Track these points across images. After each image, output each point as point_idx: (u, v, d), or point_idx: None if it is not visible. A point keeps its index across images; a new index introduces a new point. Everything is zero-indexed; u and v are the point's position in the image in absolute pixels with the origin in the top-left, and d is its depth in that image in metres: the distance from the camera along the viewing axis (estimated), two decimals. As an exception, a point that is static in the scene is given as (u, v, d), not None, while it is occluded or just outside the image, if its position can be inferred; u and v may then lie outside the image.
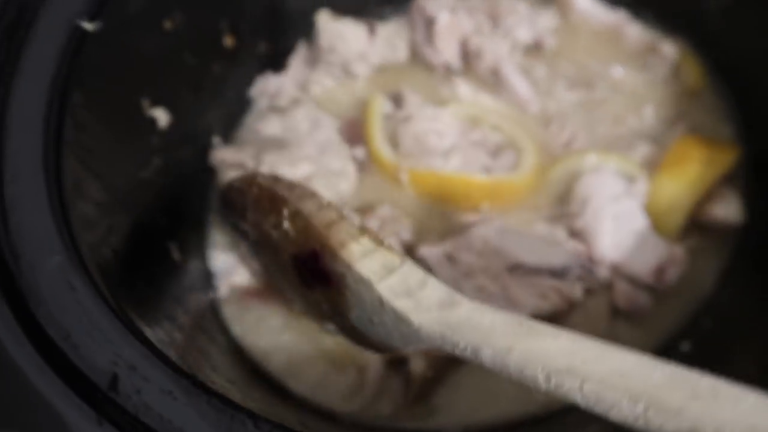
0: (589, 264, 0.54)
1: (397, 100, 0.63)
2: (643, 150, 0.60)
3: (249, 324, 0.56)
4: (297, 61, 0.66)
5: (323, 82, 0.65)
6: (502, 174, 0.58)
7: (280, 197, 0.46)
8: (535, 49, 0.66)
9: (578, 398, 0.30)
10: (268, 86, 0.65)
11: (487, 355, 0.33)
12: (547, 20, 0.67)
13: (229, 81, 0.63)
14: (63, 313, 0.35)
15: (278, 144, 0.57)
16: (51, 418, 0.32)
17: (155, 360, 0.35)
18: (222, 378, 0.43)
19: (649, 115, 0.63)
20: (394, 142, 0.60)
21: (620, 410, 0.29)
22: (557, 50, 0.67)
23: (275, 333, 0.55)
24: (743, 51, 0.62)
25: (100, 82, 0.47)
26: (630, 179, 0.58)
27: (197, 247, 0.59)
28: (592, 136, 0.62)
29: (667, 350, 0.55)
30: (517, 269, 0.53)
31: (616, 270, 0.55)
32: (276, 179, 0.50)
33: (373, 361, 0.52)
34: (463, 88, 0.63)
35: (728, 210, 0.58)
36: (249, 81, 0.66)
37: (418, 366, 0.51)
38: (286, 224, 0.44)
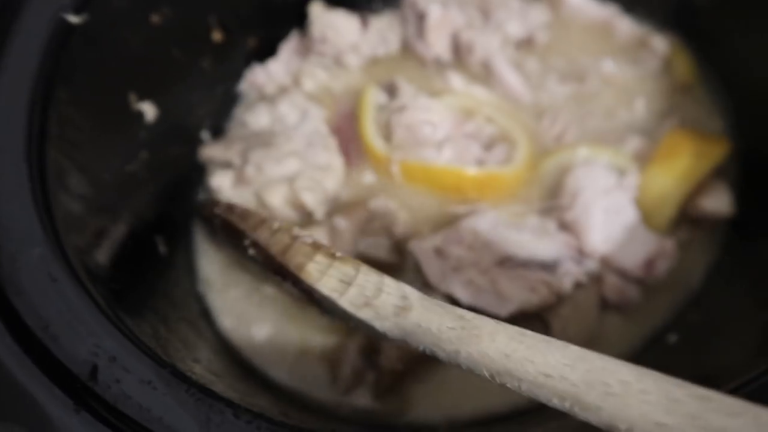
0: (579, 257, 0.54)
1: (390, 90, 0.62)
2: (634, 143, 0.60)
3: (235, 316, 0.56)
4: (288, 49, 0.66)
5: (315, 74, 0.64)
6: (494, 167, 0.58)
7: (237, 229, 0.49)
8: (526, 43, 0.66)
9: (523, 393, 0.32)
10: (258, 75, 0.65)
11: (441, 356, 0.35)
12: (538, 15, 0.67)
13: (218, 75, 0.63)
14: (43, 304, 0.35)
15: (265, 139, 0.57)
16: (29, 407, 0.32)
17: (135, 351, 0.35)
18: (205, 370, 0.43)
19: (640, 108, 0.63)
20: (387, 132, 0.59)
21: (555, 406, 0.30)
22: (548, 45, 0.67)
23: (260, 326, 0.55)
24: (733, 46, 0.62)
25: (85, 76, 0.47)
26: (621, 172, 0.58)
27: (184, 240, 0.59)
28: (584, 129, 0.62)
29: (654, 342, 0.55)
30: (508, 262, 0.53)
31: (606, 263, 0.55)
32: (230, 209, 0.52)
33: (348, 352, 0.52)
34: (456, 80, 0.63)
35: (718, 202, 0.58)
36: (237, 76, 0.66)
37: (387, 359, 0.52)
38: (251, 251, 0.47)
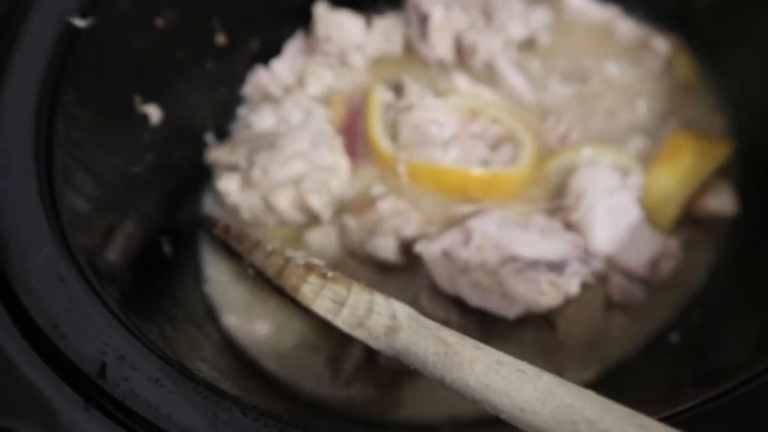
0: (585, 257, 0.54)
1: (398, 89, 0.62)
2: (637, 143, 0.60)
3: (239, 316, 0.57)
4: (293, 48, 0.67)
5: (320, 73, 0.65)
6: (499, 167, 0.58)
7: (234, 250, 0.51)
8: (528, 45, 0.67)
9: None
10: (262, 76, 0.65)
11: (430, 376, 0.37)
12: (539, 17, 0.67)
13: (221, 78, 0.63)
14: (52, 303, 0.36)
15: (271, 141, 0.58)
16: (39, 404, 0.32)
17: (143, 349, 0.35)
18: (212, 368, 0.44)
19: (642, 108, 0.63)
20: (393, 132, 0.60)
21: None
22: (551, 46, 0.67)
23: (264, 324, 0.56)
24: (733, 46, 0.63)
25: (91, 78, 0.48)
26: (624, 172, 0.58)
27: (189, 242, 0.59)
28: (587, 129, 0.62)
29: (657, 341, 0.55)
30: (515, 262, 0.53)
31: (611, 263, 0.56)
32: (226, 230, 0.53)
33: (351, 348, 0.53)
34: (462, 81, 0.63)
35: (722, 202, 0.58)
36: (240, 78, 0.66)
37: (385, 357, 0.52)
38: (250, 271, 0.49)
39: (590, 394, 0.32)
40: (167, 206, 0.57)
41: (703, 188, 0.58)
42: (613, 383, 0.53)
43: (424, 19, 0.64)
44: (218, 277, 0.59)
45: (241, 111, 0.66)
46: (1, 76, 0.43)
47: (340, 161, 0.59)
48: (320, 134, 0.59)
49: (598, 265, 0.55)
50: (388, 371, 0.52)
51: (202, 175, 0.62)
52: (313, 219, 0.58)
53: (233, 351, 0.54)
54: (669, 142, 0.60)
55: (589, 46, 0.67)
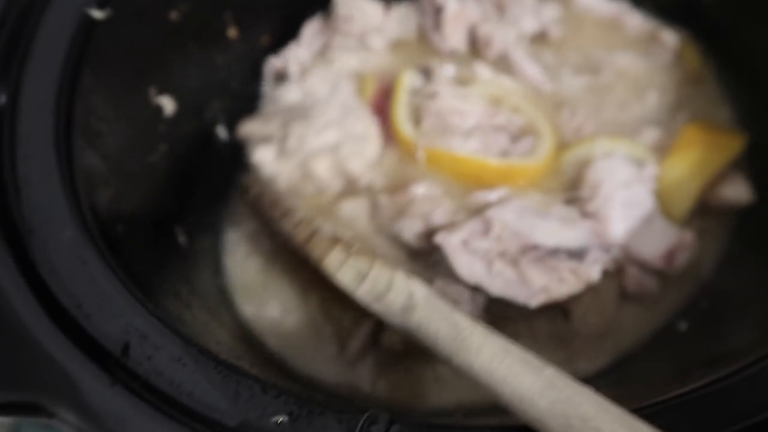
0: (606, 245, 0.54)
1: (426, 74, 0.63)
2: (650, 135, 0.61)
3: (254, 304, 0.57)
4: (311, 29, 0.67)
5: (341, 56, 0.65)
6: (517, 158, 0.58)
7: (267, 216, 0.52)
8: (540, 38, 0.67)
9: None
10: (279, 60, 0.66)
11: (438, 355, 0.38)
12: (550, 11, 0.68)
13: (232, 72, 0.64)
14: (75, 284, 0.36)
15: (301, 112, 0.58)
16: (65, 381, 0.33)
17: (165, 330, 0.36)
18: (228, 353, 0.44)
19: (652, 100, 0.64)
20: (417, 117, 0.60)
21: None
22: (562, 39, 0.68)
23: (281, 313, 0.57)
24: (743, 39, 0.63)
25: (108, 68, 0.48)
26: (639, 164, 0.58)
27: (203, 231, 0.60)
28: (600, 121, 0.62)
29: (666, 329, 0.56)
30: (535, 251, 0.53)
31: (627, 255, 0.56)
32: (261, 196, 0.55)
33: (360, 329, 0.54)
34: (484, 70, 0.63)
35: (738, 191, 0.59)
36: (251, 74, 0.67)
37: (389, 338, 0.53)
38: (280, 237, 0.50)
39: (588, 392, 0.33)
40: (181, 197, 0.58)
41: (716, 180, 0.59)
42: (624, 370, 0.54)
43: (438, 10, 0.65)
44: (234, 269, 0.59)
45: (265, 87, 0.66)
46: (22, 66, 0.44)
47: (371, 130, 0.59)
48: (348, 105, 0.59)
49: (617, 252, 0.55)
50: (389, 351, 0.53)
51: (214, 168, 0.62)
52: (349, 186, 0.58)
53: (248, 339, 0.55)
54: (683, 134, 0.60)
55: (598, 39, 0.68)
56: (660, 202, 0.57)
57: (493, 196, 0.57)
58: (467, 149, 0.58)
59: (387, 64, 0.65)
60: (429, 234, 0.55)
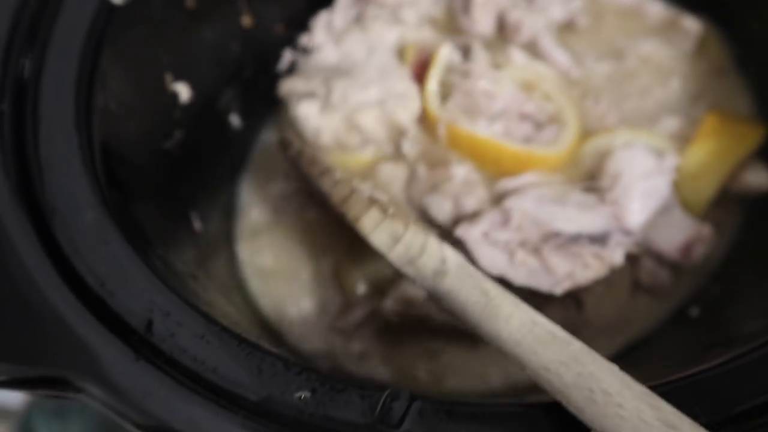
0: (626, 229, 0.54)
1: (465, 52, 0.63)
2: (671, 123, 0.61)
3: (271, 296, 0.59)
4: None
5: (375, 23, 0.64)
6: (538, 146, 0.58)
7: (305, 173, 0.51)
8: (567, 26, 0.67)
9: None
10: (318, 22, 0.66)
11: (466, 322, 0.38)
12: (577, 1, 0.67)
13: (247, 61, 0.64)
14: (98, 264, 0.37)
15: (341, 71, 0.58)
16: (90, 356, 0.33)
17: (187, 308, 0.36)
18: (247, 335, 0.44)
19: (675, 88, 0.64)
20: (447, 93, 0.60)
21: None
22: (586, 27, 0.68)
23: (294, 299, 0.57)
24: (765, 29, 0.63)
25: (126, 53, 0.49)
26: (659, 154, 0.58)
27: (217, 219, 0.60)
28: (623, 109, 0.62)
29: (678, 315, 0.56)
30: (556, 238, 0.53)
31: (643, 246, 0.56)
32: (300, 154, 0.54)
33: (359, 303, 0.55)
34: (518, 55, 0.63)
35: (758, 177, 0.58)
36: (264, 63, 0.67)
37: (388, 305, 0.54)
38: (315, 193, 0.49)
39: (613, 368, 0.33)
40: (196, 184, 0.58)
41: (737, 171, 0.59)
42: (636, 355, 0.54)
43: None
44: (246, 256, 0.60)
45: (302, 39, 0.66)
46: (43, 51, 0.44)
47: (412, 90, 0.59)
48: (388, 68, 0.59)
49: (635, 239, 0.55)
50: (385, 322, 0.54)
51: (228, 156, 0.63)
52: (397, 137, 0.59)
53: (264, 325, 0.56)
54: (704, 124, 0.60)
55: (621, 27, 0.68)
56: (679, 193, 0.57)
57: (514, 183, 0.57)
58: (490, 132, 0.58)
59: (423, 38, 0.65)
60: (454, 221, 0.55)
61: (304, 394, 0.33)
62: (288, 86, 0.61)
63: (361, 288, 0.57)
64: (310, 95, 0.59)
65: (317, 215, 0.61)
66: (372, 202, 0.44)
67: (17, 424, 0.79)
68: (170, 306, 0.36)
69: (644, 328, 0.57)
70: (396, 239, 0.42)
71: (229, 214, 0.62)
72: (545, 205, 0.54)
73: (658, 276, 0.57)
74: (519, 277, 0.52)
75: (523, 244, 0.53)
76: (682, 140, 0.59)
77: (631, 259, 0.56)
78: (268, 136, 0.68)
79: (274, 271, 0.59)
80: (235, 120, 0.64)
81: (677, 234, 0.56)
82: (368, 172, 0.59)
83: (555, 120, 0.60)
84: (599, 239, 0.53)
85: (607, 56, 0.66)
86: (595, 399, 0.31)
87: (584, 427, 0.31)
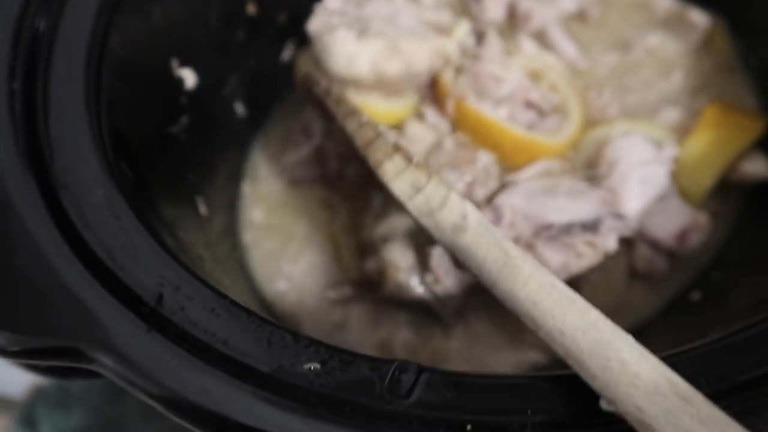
0: (617, 213, 0.55)
1: (479, 37, 0.63)
2: (671, 114, 0.61)
3: (272, 282, 0.59)
4: None
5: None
6: (540, 134, 0.58)
7: (330, 112, 0.51)
8: (577, 17, 0.68)
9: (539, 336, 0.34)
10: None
11: (482, 282, 0.38)
12: (588, -7, 0.68)
13: (251, 49, 0.65)
14: (109, 238, 0.37)
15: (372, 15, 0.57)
16: (102, 327, 0.34)
17: (197, 283, 0.37)
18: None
19: (677, 80, 0.64)
20: (456, 74, 0.60)
21: (561, 358, 0.33)
22: (594, 19, 0.68)
23: (292, 288, 0.58)
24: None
25: (134, 37, 0.49)
26: (658, 144, 0.58)
27: (222, 205, 0.61)
28: (625, 100, 0.63)
29: (679, 300, 0.56)
30: (548, 230, 0.53)
31: (639, 233, 0.56)
32: (327, 92, 0.53)
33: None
34: (528, 44, 0.64)
35: (758, 166, 0.59)
36: (269, 52, 0.68)
37: (372, 263, 0.54)
38: (338, 133, 0.49)
39: (630, 339, 0.33)
40: (201, 170, 0.59)
41: (736, 161, 0.59)
42: (638, 338, 0.54)
43: None
44: (250, 243, 0.61)
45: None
46: (53, 32, 0.44)
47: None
48: (415, 26, 0.59)
49: (632, 223, 0.55)
50: (365, 280, 0.54)
51: (235, 142, 0.63)
52: (440, 68, 0.58)
53: (269, 310, 0.56)
54: (704, 114, 0.60)
55: (628, 19, 0.68)
56: (678, 183, 0.57)
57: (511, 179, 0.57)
58: (494, 115, 0.58)
59: (441, 17, 0.64)
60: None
61: (313, 366, 0.33)
62: (318, 21, 0.59)
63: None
64: (347, 26, 0.57)
65: (322, 209, 0.62)
66: (397, 148, 0.44)
67: (19, 414, 0.79)
68: (180, 280, 0.36)
69: (642, 315, 0.57)
70: (417, 189, 0.41)
71: (232, 203, 0.63)
72: (535, 198, 0.54)
73: (653, 262, 0.57)
74: None
75: (516, 240, 0.53)
76: (682, 132, 0.60)
77: (628, 246, 0.56)
78: (272, 127, 0.69)
79: (277, 257, 0.60)
80: (239, 108, 0.65)
81: (673, 221, 0.56)
82: (396, 124, 0.58)
83: (559, 110, 0.61)
84: (591, 226, 0.53)
85: (614, 48, 0.66)
86: (611, 366, 0.31)
87: (593, 397, 0.32)
